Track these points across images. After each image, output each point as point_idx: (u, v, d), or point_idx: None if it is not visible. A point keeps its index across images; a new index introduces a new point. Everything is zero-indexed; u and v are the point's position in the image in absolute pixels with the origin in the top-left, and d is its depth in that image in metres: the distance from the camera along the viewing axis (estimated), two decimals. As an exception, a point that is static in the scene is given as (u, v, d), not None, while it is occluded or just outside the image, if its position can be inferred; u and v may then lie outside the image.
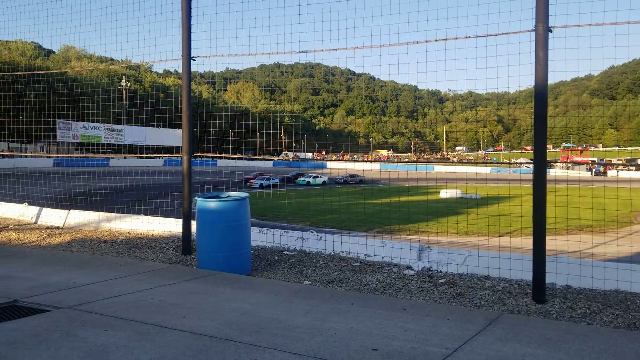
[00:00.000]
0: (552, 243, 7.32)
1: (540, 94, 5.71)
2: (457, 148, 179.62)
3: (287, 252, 7.90)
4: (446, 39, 6.48)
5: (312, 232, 8.26)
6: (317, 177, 49.70)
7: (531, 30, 5.71)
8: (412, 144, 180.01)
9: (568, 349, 3.94)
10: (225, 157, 9.46)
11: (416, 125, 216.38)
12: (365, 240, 7.76)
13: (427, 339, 4.05)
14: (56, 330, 4.08)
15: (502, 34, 5.93)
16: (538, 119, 5.74)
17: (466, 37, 6.21)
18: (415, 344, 3.93)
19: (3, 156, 42.06)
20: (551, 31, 5.66)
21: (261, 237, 8.35)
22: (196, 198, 6.94)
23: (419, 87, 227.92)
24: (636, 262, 6.56)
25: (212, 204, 6.73)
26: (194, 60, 7.96)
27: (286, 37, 7.87)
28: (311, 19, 7.84)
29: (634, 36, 5.78)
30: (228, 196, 6.97)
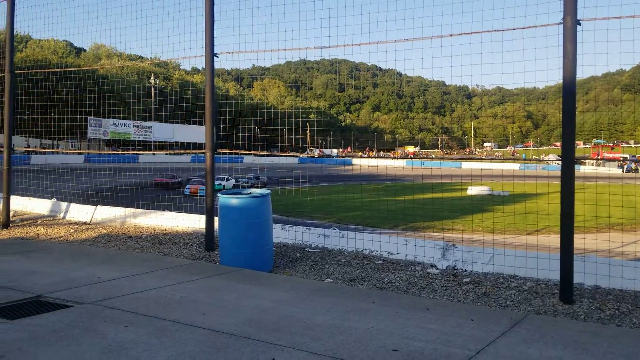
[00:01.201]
0: (581, 242, 7.14)
1: (569, 89, 5.54)
2: (485, 144, 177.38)
3: (309, 250, 7.86)
4: (471, 33, 6.35)
5: (334, 229, 8.21)
6: (228, 179, 40.96)
7: (559, 24, 5.55)
8: (440, 140, 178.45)
9: (595, 352, 3.81)
10: (248, 154, 9.46)
11: (443, 121, 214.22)
12: (388, 238, 7.67)
13: (449, 340, 3.96)
14: (77, 326, 4.11)
15: (529, 27, 5.77)
16: (566, 115, 5.57)
17: (492, 31, 6.07)
18: (437, 345, 3.85)
19: (35, 152, 42.98)
20: (580, 24, 5.49)
21: (283, 234, 8.33)
22: (218, 195, 6.95)
23: (447, 83, 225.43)
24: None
25: (234, 200, 6.72)
26: (217, 57, 7.97)
27: (309, 32, 7.81)
28: (334, 13, 7.78)
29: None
30: (250, 193, 6.95)
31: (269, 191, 6.94)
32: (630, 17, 5.49)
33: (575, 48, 5.49)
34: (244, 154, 9.72)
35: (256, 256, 6.69)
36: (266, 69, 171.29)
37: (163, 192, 16.18)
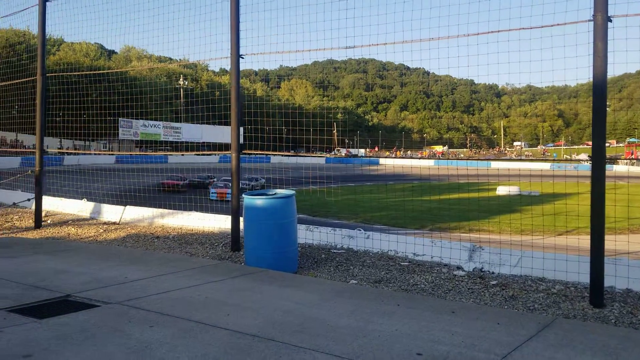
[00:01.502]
0: (612, 243, 6.96)
1: (599, 87, 5.41)
2: (515, 143, 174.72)
3: (334, 250, 7.85)
4: (498, 31, 6.25)
5: (359, 230, 8.18)
6: (257, 179, 35.28)
7: (589, 21, 5.42)
8: (468, 139, 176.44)
9: (626, 358, 3.71)
10: (273, 154, 9.49)
11: (472, 120, 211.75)
12: (414, 239, 7.61)
13: (474, 344, 3.90)
14: (104, 325, 4.17)
15: (557, 24, 5.65)
16: (597, 114, 5.44)
17: (519, 29, 5.96)
18: (462, 349, 3.79)
19: (67, 153, 43.91)
20: (611, 20, 5.36)
21: (308, 235, 8.34)
22: (243, 196, 6.99)
23: (475, 82, 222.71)
24: None
25: (258, 201, 6.75)
26: (243, 58, 8.01)
27: (334, 32, 7.79)
28: (359, 13, 7.74)
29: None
30: (275, 194, 6.97)
31: (293, 192, 6.95)
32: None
33: (606, 46, 5.35)
34: (268, 154, 9.76)
35: (281, 257, 6.71)
36: (293, 69, 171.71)
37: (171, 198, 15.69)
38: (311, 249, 7.99)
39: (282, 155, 10.00)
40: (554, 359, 3.65)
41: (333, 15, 7.89)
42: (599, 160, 5.38)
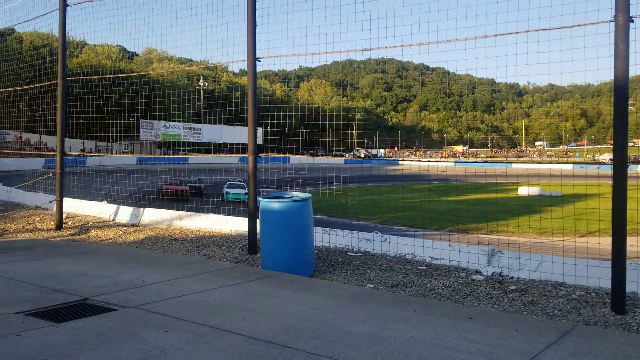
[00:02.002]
0: (635, 247, 6.82)
1: (620, 89, 5.30)
2: (537, 143, 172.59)
3: (351, 254, 7.81)
4: (517, 33, 6.16)
5: (377, 233, 8.12)
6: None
7: (610, 21, 5.31)
8: (489, 139, 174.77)
9: (648, 368, 3.62)
10: (291, 156, 9.49)
11: (493, 119, 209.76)
12: (432, 242, 7.53)
13: (491, 352, 3.84)
14: (119, 330, 4.20)
15: (577, 25, 5.55)
16: (618, 116, 5.33)
17: (538, 30, 5.87)
18: (478, 357, 3.74)
19: (89, 155, 44.52)
20: (632, 21, 5.24)
21: (324, 238, 8.31)
22: (259, 198, 6.99)
23: (497, 81, 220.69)
24: None
25: (275, 204, 6.74)
26: (259, 61, 8.03)
27: (350, 34, 7.76)
28: (376, 15, 7.70)
29: None
30: (291, 196, 6.96)
31: (309, 195, 6.93)
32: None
33: (628, 47, 5.24)
34: (286, 156, 9.76)
35: (297, 260, 6.69)
36: (313, 70, 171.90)
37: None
38: (328, 252, 7.96)
39: (301, 156, 9.99)
40: (573, 369, 3.57)
41: (350, 18, 7.87)
42: (621, 161, 5.27)
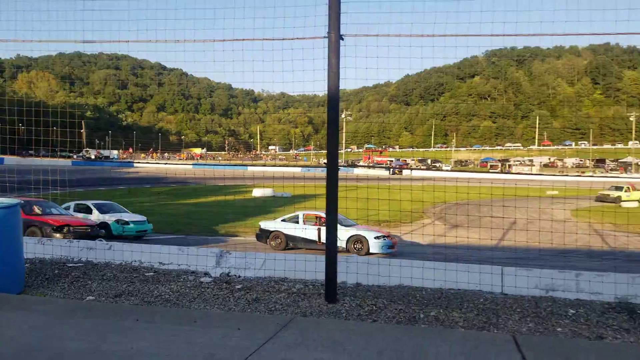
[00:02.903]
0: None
1: (333, 99, 5.84)
2: (270, 147, 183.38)
3: (70, 264, 7.12)
4: (243, 40, 6.36)
5: (101, 241, 7.57)
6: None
7: (324, 37, 5.81)
8: (226, 142, 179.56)
9: (351, 351, 4.01)
10: (4, 157, 8.27)
11: (230, 123, 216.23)
12: (160, 247, 7.32)
13: (212, 354, 3.83)
14: None
15: (297, 38, 5.97)
16: (331, 124, 5.86)
17: (263, 40, 6.14)
18: (199, 361, 3.69)
19: None
20: (343, 39, 5.82)
21: (38, 249, 7.42)
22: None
23: (233, 86, 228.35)
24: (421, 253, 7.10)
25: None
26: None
27: (77, 24, 7.09)
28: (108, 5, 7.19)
29: (426, 49, 6.23)
30: (-7, 203, 6.02)
31: (18, 201, 6.09)
32: (385, 35, 6.01)
33: (339, 61, 5.80)
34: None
35: (2, 276, 5.80)
36: (34, 60, 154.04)
37: None
38: (42, 264, 7.13)
39: (17, 157, 8.77)
40: (288, 360, 3.77)
41: (77, 5, 7.21)
42: (333, 163, 5.80)
